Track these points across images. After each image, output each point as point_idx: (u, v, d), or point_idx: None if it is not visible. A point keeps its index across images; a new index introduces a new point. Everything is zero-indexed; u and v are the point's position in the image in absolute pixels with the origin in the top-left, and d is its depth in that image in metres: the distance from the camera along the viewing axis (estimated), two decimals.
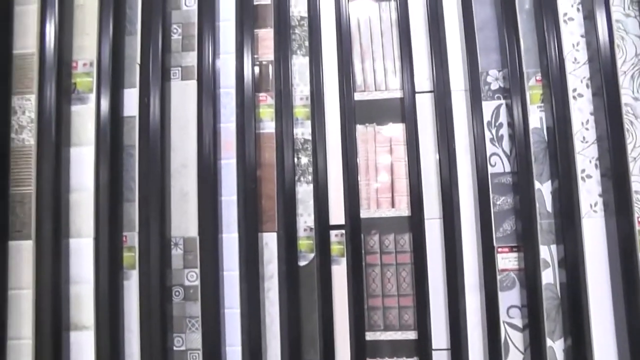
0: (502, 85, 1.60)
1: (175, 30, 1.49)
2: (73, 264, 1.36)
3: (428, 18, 1.73)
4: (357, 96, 1.76)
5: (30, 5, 1.36)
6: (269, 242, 1.57)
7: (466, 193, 1.61)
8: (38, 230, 1.30)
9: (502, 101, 1.60)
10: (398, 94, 1.77)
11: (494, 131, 1.60)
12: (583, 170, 1.44)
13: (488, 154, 1.58)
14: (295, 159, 1.63)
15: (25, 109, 1.35)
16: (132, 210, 1.38)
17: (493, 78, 1.63)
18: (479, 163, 1.57)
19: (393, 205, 1.74)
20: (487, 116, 1.60)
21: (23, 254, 1.33)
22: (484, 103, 1.60)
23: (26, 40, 1.36)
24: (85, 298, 1.35)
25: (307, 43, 1.69)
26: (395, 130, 1.77)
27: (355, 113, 1.71)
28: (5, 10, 1.33)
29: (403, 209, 1.72)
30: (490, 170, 1.57)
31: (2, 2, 1.32)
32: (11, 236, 1.33)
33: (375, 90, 1.79)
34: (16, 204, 1.33)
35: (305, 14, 1.71)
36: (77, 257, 1.36)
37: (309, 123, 1.66)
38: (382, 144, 1.77)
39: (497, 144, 1.59)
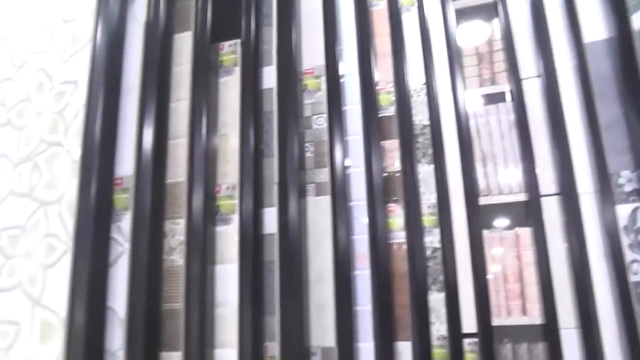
0: (637, 186, 1.54)
1: (307, 149, 1.57)
2: None
3: (548, 118, 1.71)
4: (482, 201, 1.74)
5: (181, 138, 1.49)
6: (403, 351, 1.55)
7: (606, 302, 1.52)
8: (186, 343, 1.37)
9: None
10: (522, 197, 1.74)
11: (632, 236, 1.52)
12: None
13: (627, 261, 1.50)
14: (426, 267, 1.63)
15: (175, 232, 1.44)
16: (273, 322, 1.42)
17: (626, 179, 1.56)
18: (618, 271, 1.49)
19: (524, 313, 1.67)
20: (622, 220, 1.53)
21: None
22: (618, 206, 1.54)
23: (176, 170, 1.48)
24: None
25: (430, 151, 1.72)
26: (523, 235, 1.73)
27: (480, 218, 1.70)
28: (160, 145, 1.47)
29: (535, 316, 1.64)
30: (631, 278, 1.49)
31: (158, 138, 1.46)
32: (162, 348, 1.40)
33: (499, 194, 1.77)
34: (166, 319, 1.41)
35: (427, 122, 1.74)
36: None
37: (437, 231, 1.66)
38: (510, 250, 1.73)
39: (637, 251, 1.51)
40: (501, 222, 1.77)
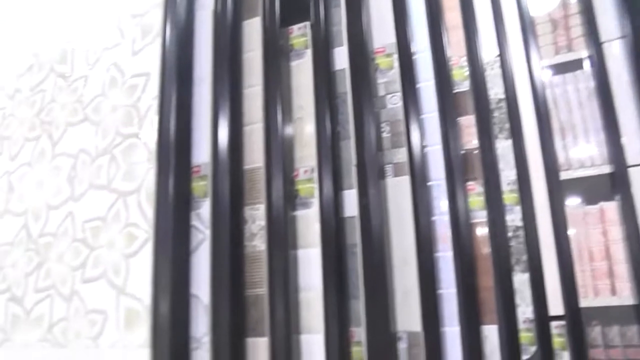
0: None
1: (383, 129, 1.54)
2: (306, 359, 1.41)
3: (635, 82, 1.61)
4: (563, 175, 1.67)
5: (256, 124, 1.49)
6: (490, 335, 1.50)
7: None
8: (272, 328, 1.37)
9: None
10: (607, 169, 1.65)
11: None
12: None
13: None
14: (509, 247, 1.57)
15: (256, 218, 1.44)
16: (358, 307, 1.40)
17: None
18: None
19: (614, 293, 1.59)
20: None
21: (259, 349, 1.42)
22: None
23: (254, 156, 1.48)
24: None
25: (507, 125, 1.65)
26: (608, 210, 1.65)
27: (561, 194, 1.62)
28: (236, 131, 1.48)
29: (626, 296, 1.56)
30: None
31: (233, 124, 1.46)
32: (248, 334, 1.42)
33: (581, 167, 1.69)
34: (251, 305, 1.42)
35: (502, 96, 1.68)
36: (309, 352, 1.40)
37: (518, 209, 1.60)
38: (594, 226, 1.65)
39: None
40: (584, 197, 1.69)
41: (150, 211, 1.59)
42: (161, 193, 1.53)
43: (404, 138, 1.52)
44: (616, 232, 1.62)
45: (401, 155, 1.51)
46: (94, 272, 1.68)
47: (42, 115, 1.98)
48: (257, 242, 1.43)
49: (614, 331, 1.55)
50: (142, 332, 1.52)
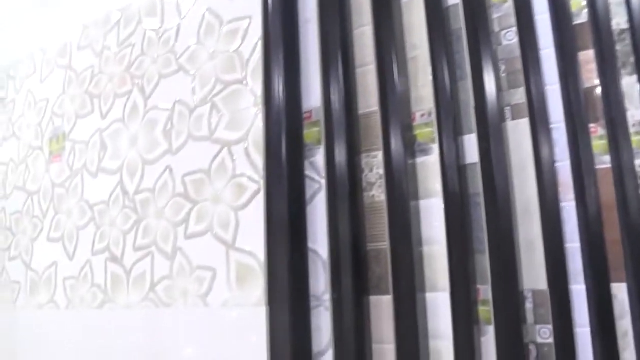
0: None
1: (499, 68, 1.43)
2: (431, 319, 1.35)
3: None
4: None
5: (369, 66, 1.41)
6: (619, 293, 1.39)
7: None
8: (395, 286, 1.31)
9: None
10: None
11: None
12: None
13: None
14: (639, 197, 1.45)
15: (373, 166, 1.38)
16: (483, 262, 1.32)
17: None
18: None
19: None
20: None
21: (382, 308, 1.36)
22: None
23: (369, 100, 1.41)
24: (444, 354, 1.31)
25: (632, 59, 1.52)
26: None
27: None
28: (348, 74, 1.40)
29: None
30: None
31: (345, 67, 1.39)
32: (370, 291, 1.36)
33: None
34: (372, 260, 1.36)
35: (625, 26, 1.53)
36: (434, 311, 1.34)
37: None
38: None
39: None
40: None
41: (260, 160, 1.54)
42: (271, 141, 1.48)
43: (521, 77, 1.41)
44: None
45: (519, 96, 1.40)
46: (199, 228, 1.65)
47: (133, 70, 1.95)
48: (375, 192, 1.37)
49: None
50: (257, 290, 1.48)
